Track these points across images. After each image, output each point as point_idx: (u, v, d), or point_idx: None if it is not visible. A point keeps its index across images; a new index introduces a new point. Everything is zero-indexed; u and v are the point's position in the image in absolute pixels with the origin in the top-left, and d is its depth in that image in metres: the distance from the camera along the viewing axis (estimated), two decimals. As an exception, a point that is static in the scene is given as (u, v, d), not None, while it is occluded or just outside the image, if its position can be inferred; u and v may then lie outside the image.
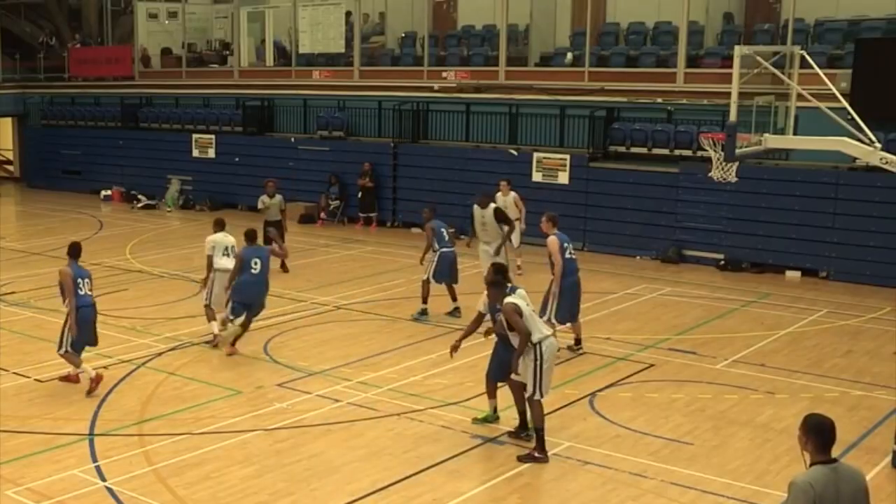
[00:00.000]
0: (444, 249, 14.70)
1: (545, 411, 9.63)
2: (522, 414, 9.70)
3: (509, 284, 9.58)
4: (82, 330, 11.23)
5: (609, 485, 8.91)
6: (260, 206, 18.72)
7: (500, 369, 9.78)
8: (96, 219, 25.61)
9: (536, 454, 9.30)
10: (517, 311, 9.13)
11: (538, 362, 9.18)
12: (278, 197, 18.57)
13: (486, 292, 9.80)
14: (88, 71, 31.92)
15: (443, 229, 14.88)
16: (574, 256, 12.66)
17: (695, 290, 16.94)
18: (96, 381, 11.18)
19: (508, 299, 9.24)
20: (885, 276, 17.25)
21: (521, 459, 9.30)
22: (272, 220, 18.19)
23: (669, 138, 20.21)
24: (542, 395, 9.26)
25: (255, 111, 27.22)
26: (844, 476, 5.18)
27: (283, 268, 17.88)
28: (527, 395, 9.40)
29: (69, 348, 11.28)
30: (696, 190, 19.12)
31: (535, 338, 9.15)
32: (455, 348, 10.08)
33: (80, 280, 11.21)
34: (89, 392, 11.10)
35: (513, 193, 17.63)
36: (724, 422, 10.58)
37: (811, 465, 5.21)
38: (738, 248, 18.86)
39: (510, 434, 9.75)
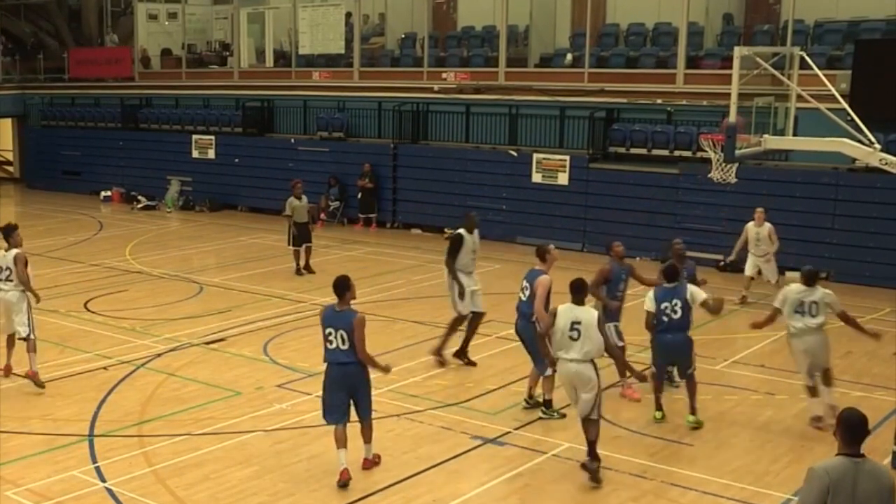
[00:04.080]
0: None
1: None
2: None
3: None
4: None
5: (609, 485, 8.91)
6: (288, 210, 18.03)
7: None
8: (96, 220, 25.60)
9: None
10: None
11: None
12: (305, 198, 18.26)
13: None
14: (88, 72, 31.92)
15: None
16: None
17: (694, 291, 16.87)
18: (344, 478, 8.78)
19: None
20: (884, 277, 17.25)
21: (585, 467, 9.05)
22: (300, 223, 17.93)
23: (669, 139, 20.22)
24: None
25: (254, 112, 27.23)
26: (866, 472, 5.23)
27: (308, 268, 17.99)
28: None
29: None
30: (695, 191, 19.11)
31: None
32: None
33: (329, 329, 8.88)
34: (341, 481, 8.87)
35: (768, 224, 15.87)
36: (723, 423, 10.58)
37: (836, 455, 5.30)
38: (737, 250, 18.83)
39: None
